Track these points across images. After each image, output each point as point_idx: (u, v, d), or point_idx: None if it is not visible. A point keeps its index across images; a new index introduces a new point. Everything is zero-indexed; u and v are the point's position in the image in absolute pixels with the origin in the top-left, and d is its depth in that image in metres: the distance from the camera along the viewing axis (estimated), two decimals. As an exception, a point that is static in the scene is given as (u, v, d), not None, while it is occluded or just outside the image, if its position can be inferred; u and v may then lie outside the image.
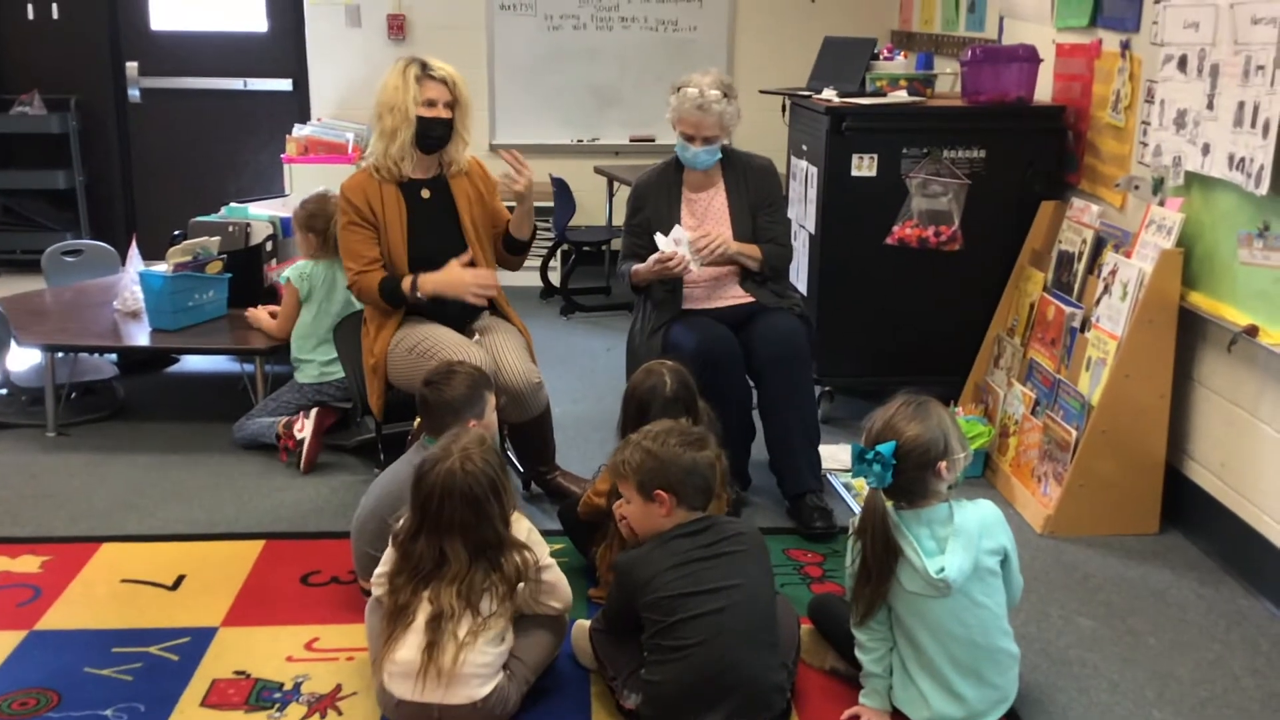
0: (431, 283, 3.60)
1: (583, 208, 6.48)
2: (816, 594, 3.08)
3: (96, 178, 7.16)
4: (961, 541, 2.47)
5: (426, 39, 6.81)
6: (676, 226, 3.70)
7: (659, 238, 3.68)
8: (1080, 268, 3.97)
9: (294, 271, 4.26)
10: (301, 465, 4.07)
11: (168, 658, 2.88)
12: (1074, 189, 4.33)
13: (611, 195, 6.50)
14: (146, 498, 3.85)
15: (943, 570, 2.43)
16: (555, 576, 2.69)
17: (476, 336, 3.70)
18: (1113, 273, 3.69)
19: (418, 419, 3.57)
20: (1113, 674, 2.89)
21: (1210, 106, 3.38)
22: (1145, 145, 3.78)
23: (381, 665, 2.52)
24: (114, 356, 4.88)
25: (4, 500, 3.81)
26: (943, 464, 2.47)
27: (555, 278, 6.51)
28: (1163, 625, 3.13)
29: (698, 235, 3.67)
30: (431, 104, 3.58)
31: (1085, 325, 3.80)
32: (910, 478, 2.48)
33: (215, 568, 3.35)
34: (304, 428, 4.09)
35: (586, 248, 6.48)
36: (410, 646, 2.47)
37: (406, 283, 3.60)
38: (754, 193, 3.84)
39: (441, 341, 3.52)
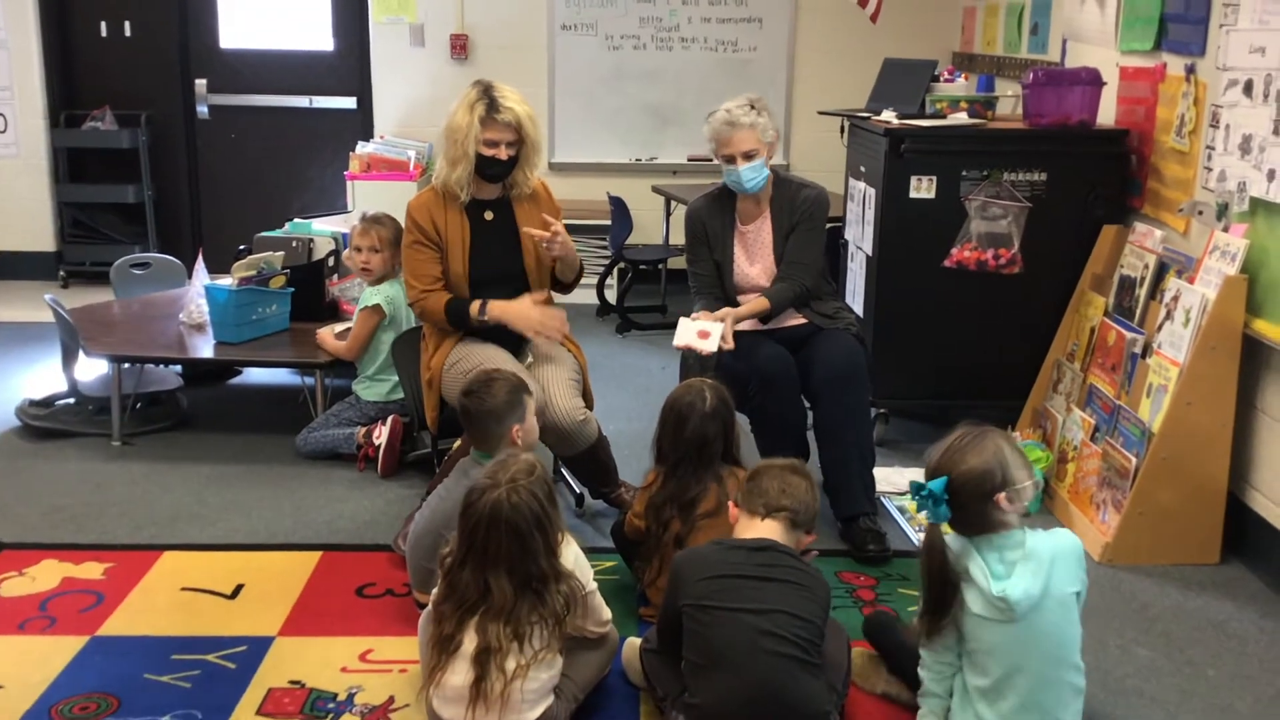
0: (500, 309, 3.62)
1: (640, 226, 6.51)
2: (870, 613, 3.07)
3: (165, 192, 7.30)
4: (1031, 567, 2.42)
5: (488, 59, 6.89)
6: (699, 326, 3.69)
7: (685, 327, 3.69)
8: (1142, 293, 3.92)
9: (379, 295, 4.30)
10: (379, 470, 4.15)
11: (225, 666, 2.92)
12: (1137, 213, 4.28)
13: (669, 214, 6.52)
14: (207, 507, 3.91)
15: (1004, 591, 2.40)
16: (596, 602, 2.69)
17: (529, 359, 3.73)
18: (1175, 298, 3.65)
19: (457, 441, 3.61)
20: (1171, 706, 2.84)
21: (1276, 132, 3.34)
22: (1209, 170, 3.74)
23: (429, 688, 2.53)
24: (179, 368, 4.97)
25: (69, 507, 3.89)
26: (1001, 495, 2.42)
27: (611, 295, 6.53)
28: (1223, 657, 3.08)
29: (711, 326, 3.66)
30: (493, 144, 3.58)
31: (1147, 351, 3.75)
32: (971, 511, 2.45)
33: (273, 577, 3.40)
34: (381, 434, 4.16)
35: (643, 266, 6.51)
36: (459, 672, 2.46)
37: (475, 306, 3.63)
38: (793, 219, 3.83)
39: (496, 366, 3.53)
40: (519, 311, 3.63)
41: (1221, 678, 2.98)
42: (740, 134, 3.71)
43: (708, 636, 2.49)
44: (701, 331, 3.65)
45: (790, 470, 2.70)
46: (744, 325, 3.79)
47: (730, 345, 3.62)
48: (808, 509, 2.65)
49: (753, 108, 3.74)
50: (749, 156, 3.74)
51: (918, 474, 2.53)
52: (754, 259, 3.88)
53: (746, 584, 2.51)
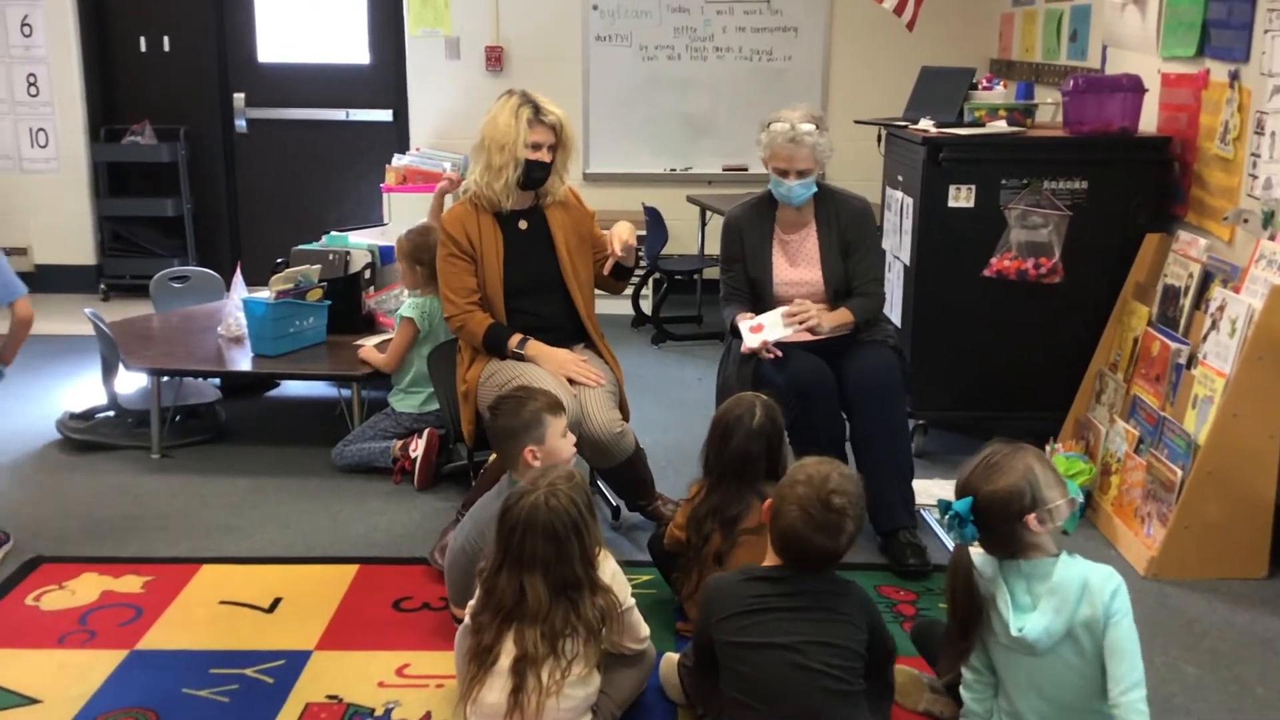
0: (537, 350, 3.64)
1: (675, 237, 6.50)
2: (920, 621, 3.02)
3: (204, 206, 7.36)
4: (1054, 603, 2.35)
5: (523, 70, 6.90)
6: (767, 318, 3.69)
7: (745, 329, 3.67)
8: (1186, 302, 3.86)
9: (414, 310, 4.31)
10: (416, 483, 4.16)
11: (263, 680, 2.92)
12: (1180, 221, 4.22)
13: (704, 224, 6.50)
14: (246, 520, 3.93)
15: (1022, 630, 2.34)
16: (634, 619, 2.67)
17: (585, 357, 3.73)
18: (1221, 308, 3.59)
19: (493, 454, 3.60)
20: (1219, 724, 2.80)
21: (1325, 138, 3.29)
22: (1255, 178, 3.68)
23: (466, 705, 2.52)
24: (217, 381, 5.00)
25: (109, 520, 3.92)
26: (1031, 516, 2.35)
27: (647, 306, 6.52)
28: (1271, 674, 3.02)
29: (797, 310, 3.65)
30: (537, 147, 3.61)
31: (1191, 362, 3.69)
32: (999, 532, 2.39)
33: (310, 591, 3.40)
34: (417, 447, 4.17)
35: (678, 276, 6.49)
36: (495, 689, 2.45)
37: (514, 340, 3.64)
38: (845, 234, 3.81)
39: (532, 383, 3.52)
40: (555, 357, 3.64)
41: (1271, 695, 2.92)
42: (801, 152, 3.69)
43: (741, 673, 2.45)
44: (754, 327, 3.64)
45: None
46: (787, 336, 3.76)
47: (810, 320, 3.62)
48: None
49: (817, 128, 3.71)
50: (802, 174, 3.72)
51: (957, 486, 2.49)
52: (796, 264, 3.85)
53: (772, 617, 2.45)
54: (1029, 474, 2.38)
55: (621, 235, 3.68)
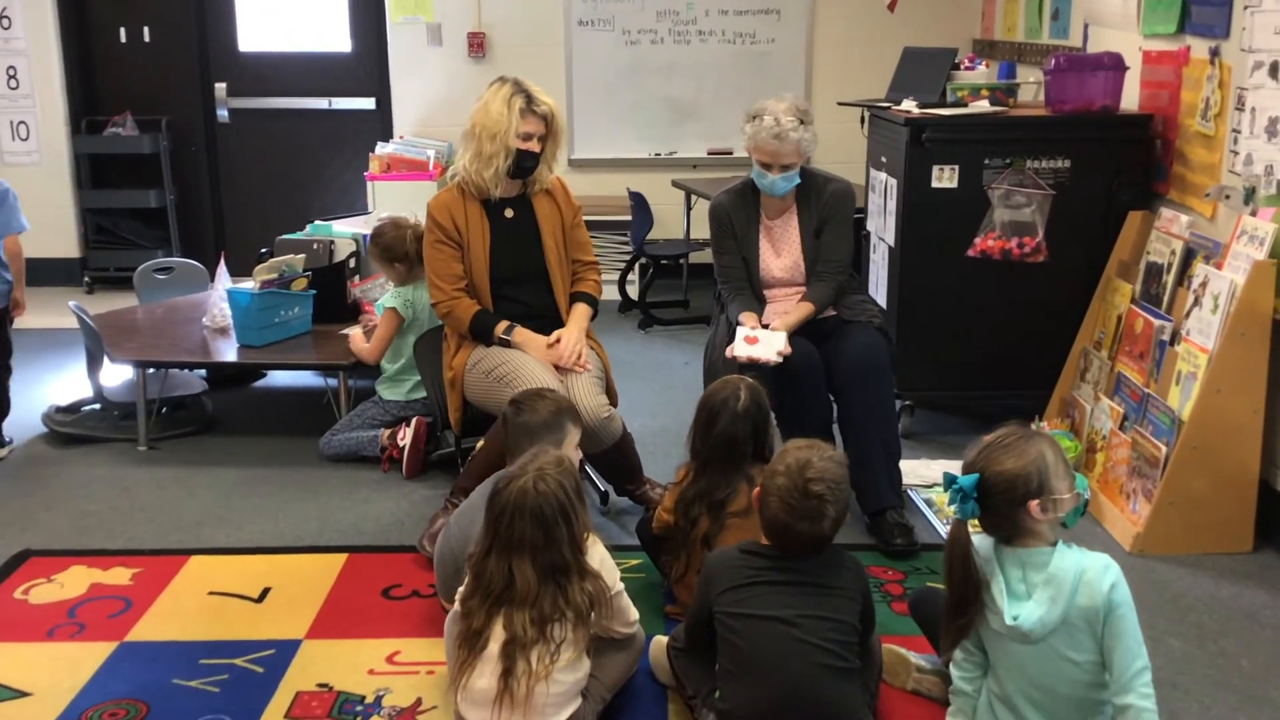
0: (524, 337, 3.65)
1: (660, 221, 6.49)
2: (919, 589, 3.04)
3: (186, 196, 7.33)
4: (1050, 593, 2.34)
5: (506, 56, 6.88)
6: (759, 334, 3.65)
7: (740, 335, 3.63)
8: (1169, 279, 3.88)
9: (397, 299, 4.30)
10: (404, 471, 4.16)
11: (253, 669, 2.93)
12: (1162, 199, 4.24)
13: (689, 208, 6.50)
14: (234, 511, 3.92)
15: (1017, 619, 2.34)
16: (623, 603, 2.68)
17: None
18: (1203, 285, 3.60)
19: (480, 440, 3.60)
20: (1204, 697, 2.81)
21: (1304, 113, 3.30)
22: (1236, 154, 3.70)
23: (456, 690, 2.53)
24: (203, 372, 4.98)
25: (97, 513, 3.91)
26: (1034, 503, 2.33)
27: (633, 291, 6.52)
28: (1256, 647, 3.04)
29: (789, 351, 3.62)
30: (528, 137, 3.62)
31: (1175, 338, 3.71)
32: (1000, 514, 2.38)
33: (299, 580, 3.40)
34: (405, 436, 4.17)
35: (664, 261, 6.49)
36: (485, 674, 2.45)
37: (500, 328, 3.65)
38: (821, 213, 3.82)
39: (519, 369, 3.54)
40: (540, 346, 3.65)
41: (1255, 668, 2.94)
42: (785, 149, 3.69)
43: (738, 645, 2.47)
44: (749, 338, 3.61)
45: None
46: (770, 320, 3.77)
47: (789, 351, 3.58)
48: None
49: (801, 122, 3.70)
50: (785, 168, 3.72)
51: (944, 466, 2.50)
52: (780, 252, 3.86)
53: (770, 590, 2.48)
54: (1040, 461, 2.35)
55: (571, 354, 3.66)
